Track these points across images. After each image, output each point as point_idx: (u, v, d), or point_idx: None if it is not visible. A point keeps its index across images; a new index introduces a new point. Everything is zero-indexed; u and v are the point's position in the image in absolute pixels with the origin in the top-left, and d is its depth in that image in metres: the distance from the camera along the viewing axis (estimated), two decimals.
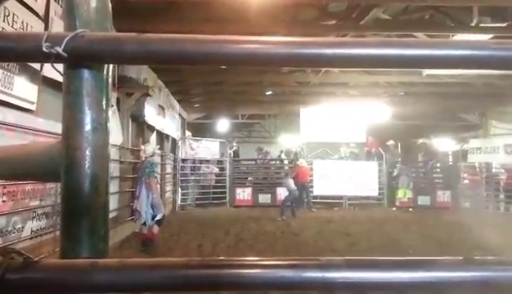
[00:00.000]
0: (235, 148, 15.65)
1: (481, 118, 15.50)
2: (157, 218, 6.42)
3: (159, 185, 9.66)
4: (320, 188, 13.30)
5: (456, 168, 14.57)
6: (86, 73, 0.62)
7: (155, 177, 6.98)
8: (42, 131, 4.48)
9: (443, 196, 13.68)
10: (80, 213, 0.64)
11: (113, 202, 7.79)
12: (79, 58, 0.62)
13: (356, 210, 12.84)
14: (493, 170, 13.55)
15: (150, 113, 9.99)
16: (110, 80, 0.67)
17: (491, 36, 7.28)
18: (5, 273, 0.56)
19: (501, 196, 13.33)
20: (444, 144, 17.11)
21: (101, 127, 0.64)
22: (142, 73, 8.92)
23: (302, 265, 0.65)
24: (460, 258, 0.68)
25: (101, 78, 0.64)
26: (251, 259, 0.65)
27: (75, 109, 0.63)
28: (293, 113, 15.21)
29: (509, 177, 13.05)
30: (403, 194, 13.21)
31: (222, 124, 17.88)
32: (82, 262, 0.63)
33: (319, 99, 13.94)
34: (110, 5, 0.67)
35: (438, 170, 14.89)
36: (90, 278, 0.59)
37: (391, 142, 14.46)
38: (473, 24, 7.19)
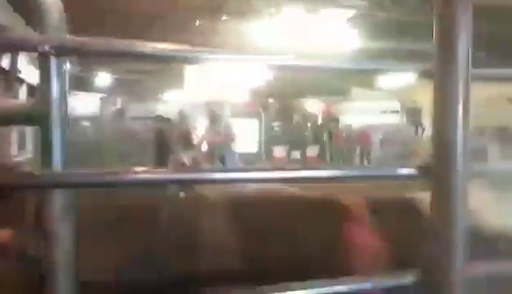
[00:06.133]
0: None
1: (345, 83, 17.56)
2: None
3: None
4: (202, 145, 13.84)
5: (322, 127, 16.45)
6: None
7: None
8: None
9: (312, 151, 15.50)
10: None
11: None
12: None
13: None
14: (355, 130, 15.61)
15: (20, 63, 9.07)
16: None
17: (354, 12, 8.37)
18: None
19: (357, 151, 15.55)
20: (314, 105, 18.98)
21: None
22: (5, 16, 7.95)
23: None
24: None
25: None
26: None
27: None
28: (178, 71, 15.19)
29: (360, 135, 15.25)
30: None
31: (103, 78, 16.93)
32: None
33: None
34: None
35: (309, 129, 16.59)
36: None
37: (271, 100, 15.57)
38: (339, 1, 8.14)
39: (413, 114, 13.23)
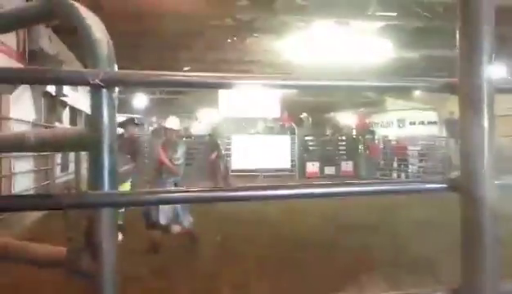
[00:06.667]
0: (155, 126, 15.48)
1: (379, 94, 17.32)
2: None
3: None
4: (237, 162, 14.00)
5: (358, 140, 16.18)
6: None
7: None
8: None
9: (346, 166, 15.23)
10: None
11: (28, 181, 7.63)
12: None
13: (270, 182, 13.74)
14: (392, 142, 15.27)
15: (64, 88, 9.64)
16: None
17: (383, 24, 8.35)
18: None
19: (395, 165, 15.16)
20: (348, 118, 18.78)
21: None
22: (54, 47, 8.58)
23: None
24: None
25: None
26: None
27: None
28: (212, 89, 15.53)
29: (397, 148, 14.89)
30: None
31: (140, 99, 17.57)
32: None
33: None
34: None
35: (343, 142, 16.32)
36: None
37: (304, 115, 15.54)
38: (369, 13, 8.15)
39: (451, 125, 12.83)
